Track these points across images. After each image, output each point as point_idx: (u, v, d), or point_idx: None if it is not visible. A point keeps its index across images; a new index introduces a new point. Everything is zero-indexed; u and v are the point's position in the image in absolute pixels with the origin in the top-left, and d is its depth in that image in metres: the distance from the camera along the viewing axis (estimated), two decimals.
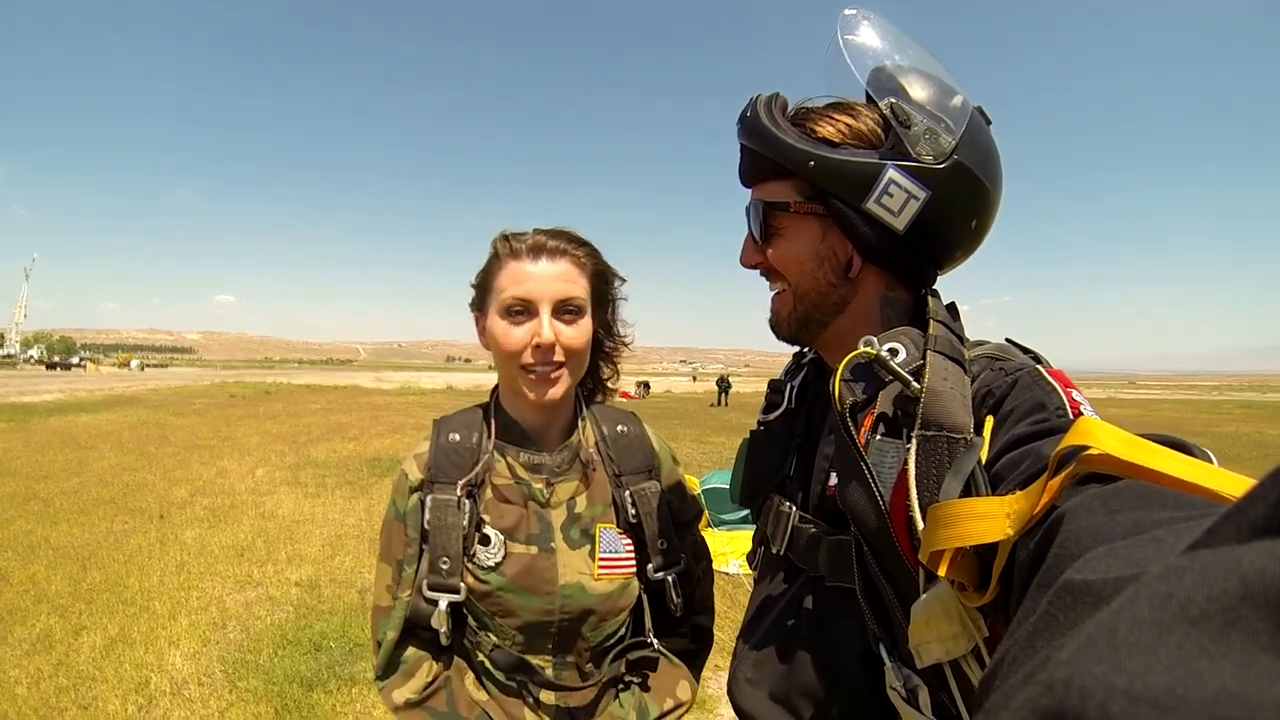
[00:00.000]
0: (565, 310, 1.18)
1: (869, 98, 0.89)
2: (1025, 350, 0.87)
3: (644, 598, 1.30)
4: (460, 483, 1.19)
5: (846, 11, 0.92)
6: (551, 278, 1.16)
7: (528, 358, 1.16)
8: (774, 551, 1.01)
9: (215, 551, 5.83)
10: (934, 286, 0.93)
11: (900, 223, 0.85)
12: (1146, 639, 0.20)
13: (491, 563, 1.18)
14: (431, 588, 1.17)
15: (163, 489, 8.34)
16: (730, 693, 1.02)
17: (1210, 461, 0.47)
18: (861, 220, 0.86)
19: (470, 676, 1.24)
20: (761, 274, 1.00)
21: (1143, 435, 0.50)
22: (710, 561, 1.45)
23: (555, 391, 1.18)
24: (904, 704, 0.77)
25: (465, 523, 1.17)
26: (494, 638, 1.21)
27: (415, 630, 1.23)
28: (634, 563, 1.26)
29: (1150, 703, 0.18)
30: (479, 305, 1.25)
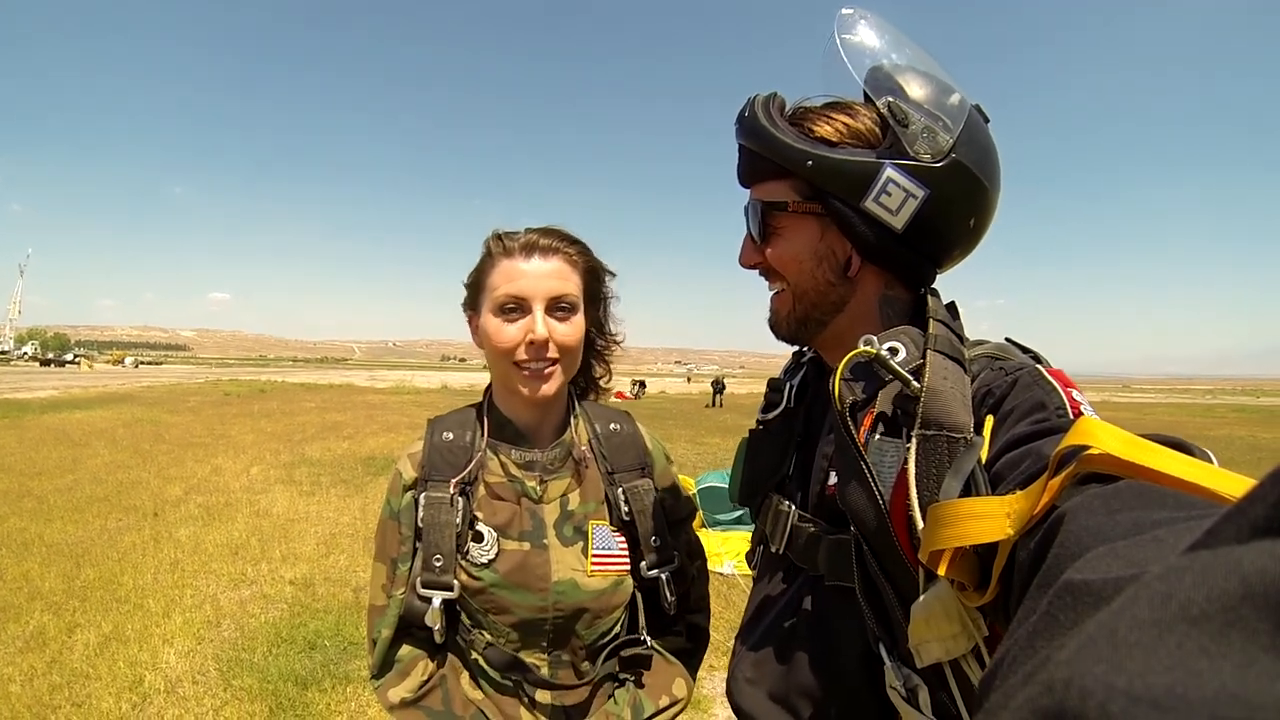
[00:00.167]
0: (558, 307, 1.18)
1: (867, 97, 0.89)
2: (1025, 350, 0.87)
3: (638, 596, 1.30)
4: (454, 480, 1.20)
5: (844, 11, 0.92)
6: (544, 275, 1.17)
7: (521, 354, 1.17)
8: (773, 551, 1.01)
9: (209, 549, 5.81)
10: (933, 286, 0.94)
11: (899, 221, 0.85)
12: (1147, 639, 0.20)
13: (484, 559, 1.19)
14: (425, 585, 1.17)
15: (157, 486, 8.30)
16: (729, 692, 1.02)
17: (1210, 462, 0.47)
18: (860, 219, 0.86)
19: (465, 676, 1.24)
20: (760, 274, 1.00)
21: (1143, 435, 0.50)
22: (705, 560, 1.45)
23: (549, 388, 1.18)
24: (904, 703, 0.77)
25: (458, 520, 1.18)
26: (488, 635, 1.21)
27: (410, 629, 1.23)
28: (627, 560, 1.26)
29: (1150, 703, 0.18)
30: (472, 304, 1.26)
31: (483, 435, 1.26)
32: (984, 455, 0.69)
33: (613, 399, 1.43)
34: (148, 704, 3.33)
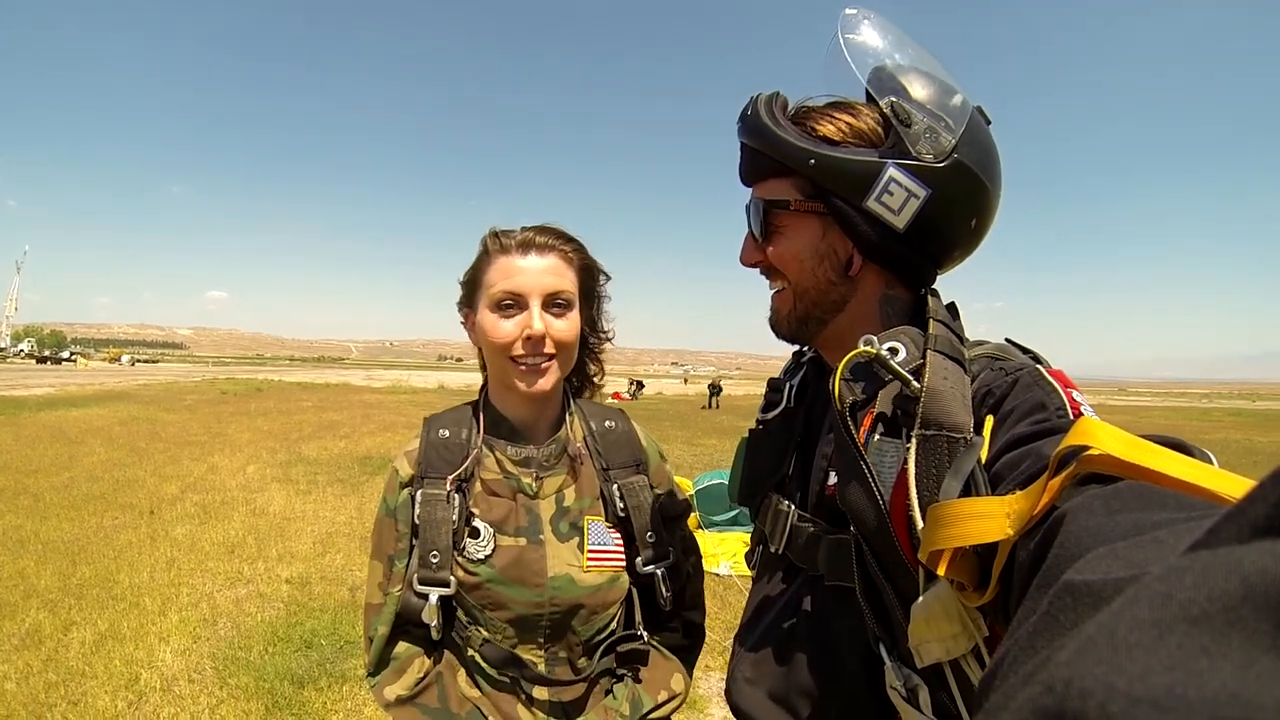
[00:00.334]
0: (554, 303, 1.20)
1: (869, 97, 0.90)
2: (1025, 350, 0.87)
3: (634, 592, 1.31)
4: (450, 477, 1.21)
5: (847, 11, 0.92)
6: (541, 271, 1.18)
7: (518, 349, 1.18)
8: (772, 550, 1.01)
9: (206, 548, 5.80)
10: (933, 286, 0.94)
11: (900, 221, 0.85)
12: (1147, 639, 0.20)
13: (481, 555, 1.19)
14: (421, 581, 1.17)
15: (153, 485, 8.28)
16: (728, 693, 1.02)
17: (1211, 463, 0.47)
18: (862, 218, 0.86)
19: (462, 673, 1.24)
20: (761, 273, 1.00)
21: (1144, 437, 0.50)
22: (700, 558, 1.46)
23: (545, 382, 1.19)
24: (904, 703, 0.77)
25: (455, 517, 1.18)
26: (485, 632, 1.21)
27: (407, 627, 1.23)
28: (623, 556, 1.27)
29: (1150, 703, 0.18)
30: (468, 301, 1.27)
31: (479, 432, 1.27)
32: (984, 455, 0.69)
33: (610, 400, 1.43)
34: (144, 702, 3.33)
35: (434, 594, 1.17)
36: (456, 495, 1.20)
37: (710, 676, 3.74)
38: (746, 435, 1.12)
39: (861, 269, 0.91)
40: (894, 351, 0.80)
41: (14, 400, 19.28)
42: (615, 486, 1.27)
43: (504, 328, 1.17)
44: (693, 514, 6.17)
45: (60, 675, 3.52)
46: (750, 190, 0.98)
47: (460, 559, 1.19)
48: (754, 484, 1.07)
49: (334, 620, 4.29)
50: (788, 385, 1.08)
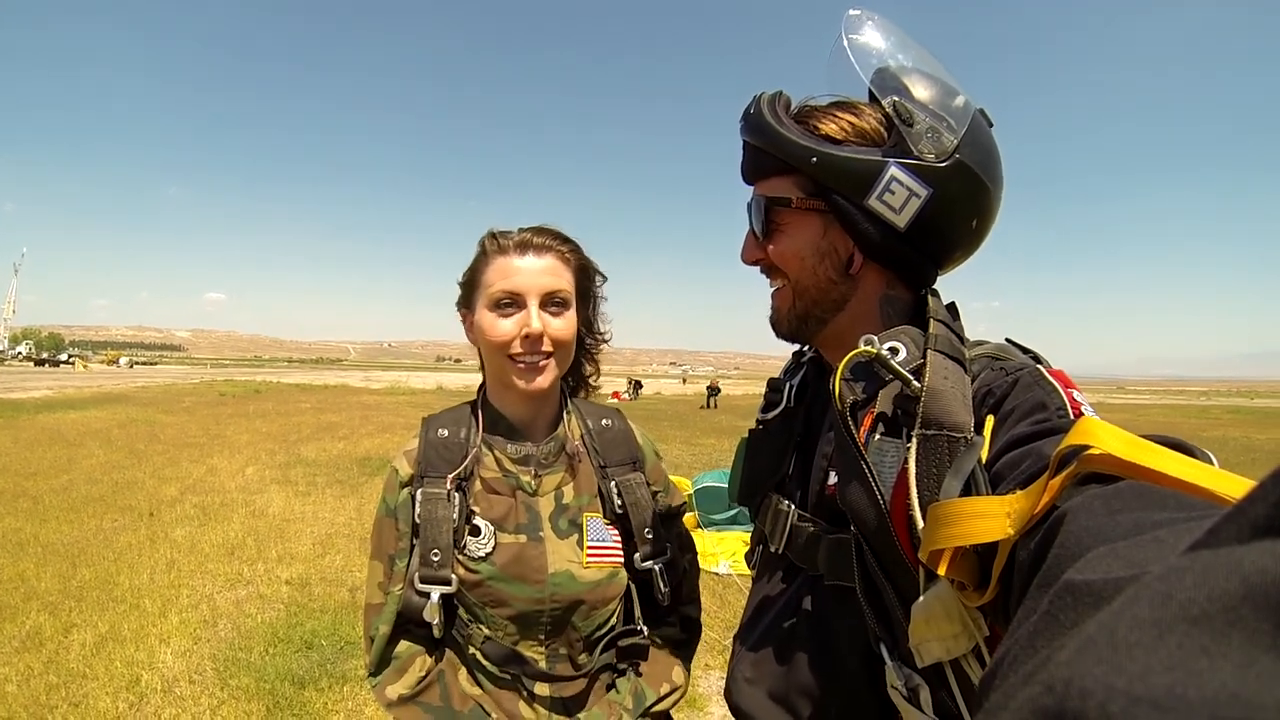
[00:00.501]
0: (552, 303, 1.22)
1: (872, 98, 0.90)
2: (1025, 350, 0.87)
3: (632, 588, 1.32)
4: (450, 476, 1.22)
5: (851, 12, 0.93)
6: (539, 271, 1.20)
7: (517, 348, 1.19)
8: (772, 550, 1.01)
9: (205, 550, 5.79)
10: (933, 287, 0.94)
11: (901, 220, 0.85)
12: (1147, 639, 0.20)
13: (482, 553, 1.20)
14: (423, 580, 1.18)
15: (152, 487, 8.27)
16: (728, 692, 1.02)
17: (1211, 463, 0.47)
18: (863, 217, 0.87)
19: (463, 672, 1.25)
20: (762, 271, 1.01)
21: (1144, 436, 0.50)
22: (695, 554, 1.47)
23: (543, 380, 1.21)
24: (905, 703, 0.77)
25: (455, 515, 1.19)
26: (486, 630, 1.22)
27: (408, 626, 1.23)
28: (621, 552, 1.28)
29: (1150, 703, 0.18)
30: (466, 302, 1.29)
31: (477, 431, 1.28)
32: (984, 455, 0.69)
33: (610, 400, 1.45)
34: (145, 703, 3.32)
35: (435, 592, 1.17)
36: (457, 494, 1.21)
37: (710, 675, 3.74)
38: (746, 435, 1.12)
39: (862, 268, 0.91)
40: (894, 351, 0.81)
41: (12, 403, 19.23)
42: (613, 484, 1.29)
43: (502, 326, 1.19)
44: (691, 513, 6.18)
45: (61, 677, 3.52)
46: (752, 189, 0.98)
47: (461, 557, 1.20)
48: (754, 484, 1.07)
49: (334, 621, 4.29)
50: (788, 385, 1.08)
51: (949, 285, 0.98)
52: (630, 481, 1.30)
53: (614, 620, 1.30)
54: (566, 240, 1.26)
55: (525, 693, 1.22)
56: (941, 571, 0.62)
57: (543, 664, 1.23)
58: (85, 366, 77.19)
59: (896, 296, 0.93)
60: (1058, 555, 0.43)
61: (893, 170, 0.84)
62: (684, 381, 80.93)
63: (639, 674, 1.31)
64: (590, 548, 1.25)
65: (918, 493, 0.70)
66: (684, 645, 1.41)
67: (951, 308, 0.90)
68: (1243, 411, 39.76)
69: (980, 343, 0.88)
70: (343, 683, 3.55)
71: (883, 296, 0.93)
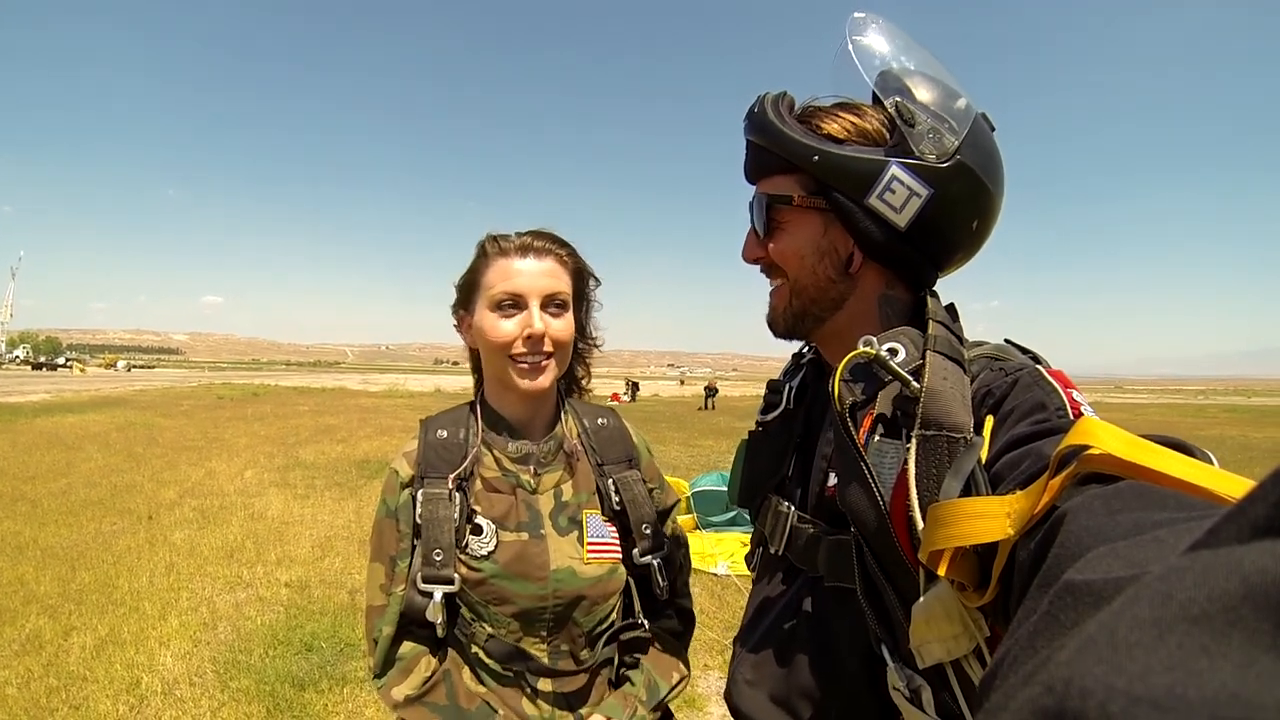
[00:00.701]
0: (552, 304, 1.24)
1: (875, 99, 0.91)
2: (1025, 351, 0.87)
3: (631, 583, 1.34)
4: (451, 476, 1.23)
5: (855, 15, 0.93)
6: (539, 274, 1.23)
7: (518, 348, 1.21)
8: (772, 552, 1.01)
9: (205, 552, 5.78)
10: (933, 288, 0.94)
11: (902, 220, 0.86)
12: (1147, 639, 0.20)
13: (484, 551, 1.21)
14: (425, 580, 1.19)
15: (151, 490, 8.26)
16: (728, 694, 1.02)
17: (1211, 463, 0.47)
18: (864, 215, 0.87)
19: (467, 671, 1.25)
20: (762, 270, 1.01)
21: (1144, 436, 0.50)
22: (688, 549, 1.50)
23: (543, 380, 1.23)
24: (907, 704, 0.77)
25: (456, 515, 1.20)
26: (488, 628, 1.23)
27: (410, 626, 1.24)
28: (620, 548, 1.30)
29: (1150, 703, 0.18)
30: (464, 304, 1.31)
31: (476, 431, 1.29)
32: (984, 455, 0.69)
33: (610, 402, 1.47)
34: (145, 706, 3.32)
35: (438, 592, 1.18)
36: (457, 493, 1.22)
37: (709, 676, 3.74)
38: (746, 437, 1.12)
39: (862, 267, 0.91)
40: (893, 352, 0.81)
41: (10, 407, 19.20)
42: (610, 481, 1.31)
43: (504, 327, 1.21)
44: (689, 515, 6.18)
45: (61, 680, 3.51)
46: (754, 188, 0.98)
47: (463, 556, 1.21)
48: (754, 485, 1.07)
49: (334, 623, 4.29)
50: (787, 387, 1.08)
51: (948, 286, 0.98)
52: (627, 479, 1.32)
53: (614, 615, 1.32)
54: (564, 244, 1.29)
55: (528, 689, 1.23)
56: (942, 572, 0.62)
57: (545, 660, 1.24)
58: (83, 370, 77.08)
59: (896, 297, 0.93)
60: (1058, 555, 0.43)
61: (894, 169, 0.84)
62: (682, 383, 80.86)
63: (639, 667, 1.33)
64: (590, 544, 1.27)
65: (917, 493, 0.70)
66: (682, 636, 1.44)
67: (951, 309, 0.90)
68: (1240, 410, 39.83)
69: (980, 343, 0.88)
70: (343, 684, 3.55)
71: (882, 296, 0.93)
